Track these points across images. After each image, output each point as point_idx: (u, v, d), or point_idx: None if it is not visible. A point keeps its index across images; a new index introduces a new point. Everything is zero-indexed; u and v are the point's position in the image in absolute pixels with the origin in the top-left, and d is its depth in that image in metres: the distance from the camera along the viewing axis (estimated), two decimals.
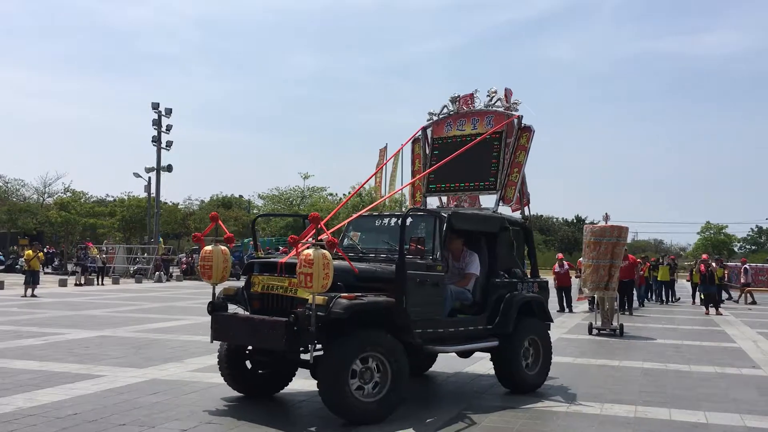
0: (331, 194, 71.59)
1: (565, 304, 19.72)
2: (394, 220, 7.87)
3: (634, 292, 21.01)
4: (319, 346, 6.32)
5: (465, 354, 8.46)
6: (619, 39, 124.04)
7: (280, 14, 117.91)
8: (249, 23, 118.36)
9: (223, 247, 7.14)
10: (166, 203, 51.99)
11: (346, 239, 8.21)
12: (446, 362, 9.36)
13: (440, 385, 8.41)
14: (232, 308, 7.09)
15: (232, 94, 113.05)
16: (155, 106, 38.69)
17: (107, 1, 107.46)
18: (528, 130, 8.90)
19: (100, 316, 15.84)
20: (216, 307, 6.92)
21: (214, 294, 7.15)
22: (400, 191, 9.76)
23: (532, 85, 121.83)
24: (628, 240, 19.99)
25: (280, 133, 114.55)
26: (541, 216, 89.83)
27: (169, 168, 39.66)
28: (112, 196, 61.66)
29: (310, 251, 5.90)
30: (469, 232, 7.89)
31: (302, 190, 69.45)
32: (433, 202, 9.85)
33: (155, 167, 39.42)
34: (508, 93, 9.17)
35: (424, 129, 9.82)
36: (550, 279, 19.88)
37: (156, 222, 40.02)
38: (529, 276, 8.67)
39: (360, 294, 6.27)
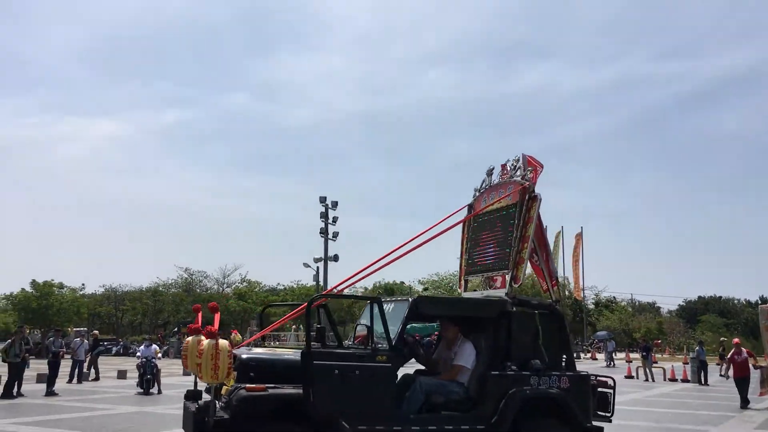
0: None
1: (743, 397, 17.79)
2: (392, 305, 7.44)
3: None
4: None
5: None
6: None
7: (438, 103, 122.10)
8: (406, 114, 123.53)
9: (226, 342, 6.81)
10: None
11: (359, 327, 7.85)
12: None
13: None
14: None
15: (393, 182, 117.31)
16: (322, 199, 41.18)
17: (276, 104, 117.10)
18: (535, 200, 7.89)
19: None
20: (188, 396, 6.72)
21: (195, 383, 6.84)
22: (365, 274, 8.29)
23: (700, 159, 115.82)
24: None
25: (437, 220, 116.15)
26: (720, 297, 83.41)
27: (335, 257, 41.64)
28: (283, 285, 65.41)
29: (205, 342, 5.96)
30: (466, 318, 7.38)
31: None
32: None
33: (323, 257, 41.55)
34: (528, 161, 8.29)
35: (469, 206, 9.15)
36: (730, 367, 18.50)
37: (326, 310, 41.77)
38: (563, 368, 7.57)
39: (273, 386, 6.21)
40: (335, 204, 41.54)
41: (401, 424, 6.42)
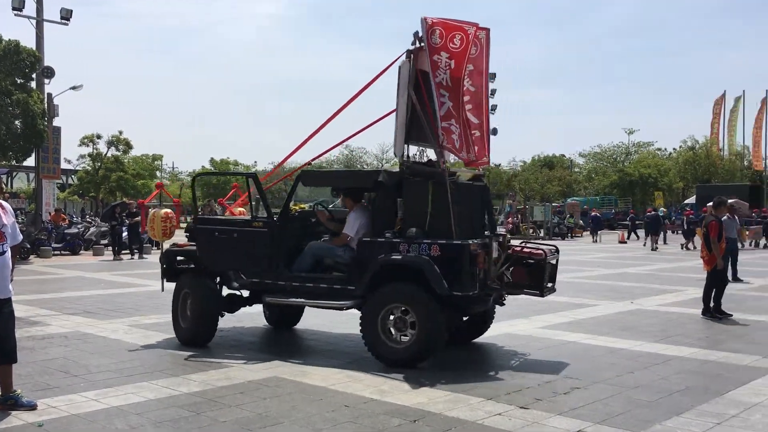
0: (659, 149, 67.39)
1: None
2: None
3: None
4: None
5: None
6: None
7: None
8: None
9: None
10: (490, 165, 53.93)
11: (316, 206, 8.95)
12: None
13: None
14: None
15: (552, 51, 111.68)
16: None
17: None
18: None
19: None
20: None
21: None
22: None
23: None
24: None
25: (601, 88, 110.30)
26: None
27: (494, 131, 40.73)
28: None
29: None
30: (355, 189, 7.94)
31: (627, 146, 66.44)
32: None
33: None
34: (434, 23, 7.43)
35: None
36: None
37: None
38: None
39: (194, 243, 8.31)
40: (493, 76, 40.42)
41: (285, 279, 7.62)
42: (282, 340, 8.64)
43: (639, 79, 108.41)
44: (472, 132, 7.87)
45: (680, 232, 30.17)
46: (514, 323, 9.53)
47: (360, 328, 7.21)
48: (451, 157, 7.97)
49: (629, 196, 56.64)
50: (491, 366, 7.26)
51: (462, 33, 7.46)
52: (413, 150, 7.95)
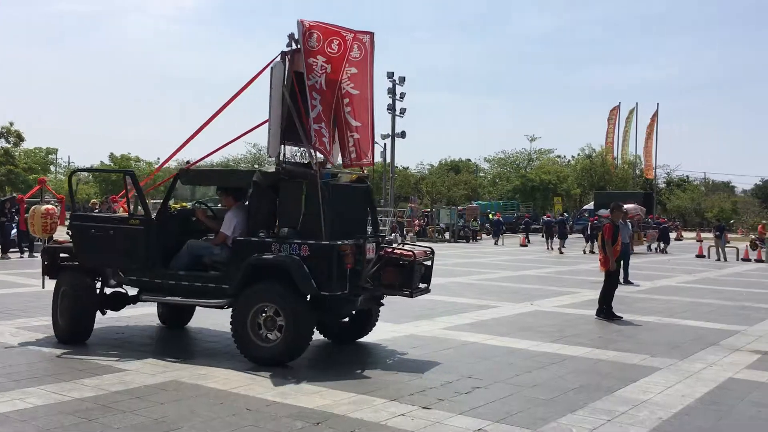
0: (559, 156, 70.06)
1: None
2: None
3: None
4: None
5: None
6: None
7: None
8: None
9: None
10: (398, 167, 54.49)
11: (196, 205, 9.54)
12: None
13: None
14: None
15: (461, 57, 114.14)
16: (390, 75, 40.55)
17: None
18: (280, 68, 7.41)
19: None
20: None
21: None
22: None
23: None
24: None
25: (507, 95, 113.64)
26: None
27: (402, 134, 41.53)
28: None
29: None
30: (235, 188, 7.89)
31: (529, 152, 68.74)
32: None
33: (390, 134, 41.48)
34: (310, 27, 7.42)
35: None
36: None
37: (391, 186, 42.27)
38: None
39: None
40: (402, 79, 40.86)
41: (162, 277, 7.58)
42: (180, 342, 8.39)
43: (543, 88, 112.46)
44: (350, 134, 7.92)
45: (583, 235, 31.66)
46: (418, 324, 9.64)
47: (230, 326, 7.18)
48: (338, 159, 7.99)
49: (531, 201, 58.62)
50: (395, 367, 7.29)
51: (340, 38, 7.58)
52: (294, 150, 7.90)
